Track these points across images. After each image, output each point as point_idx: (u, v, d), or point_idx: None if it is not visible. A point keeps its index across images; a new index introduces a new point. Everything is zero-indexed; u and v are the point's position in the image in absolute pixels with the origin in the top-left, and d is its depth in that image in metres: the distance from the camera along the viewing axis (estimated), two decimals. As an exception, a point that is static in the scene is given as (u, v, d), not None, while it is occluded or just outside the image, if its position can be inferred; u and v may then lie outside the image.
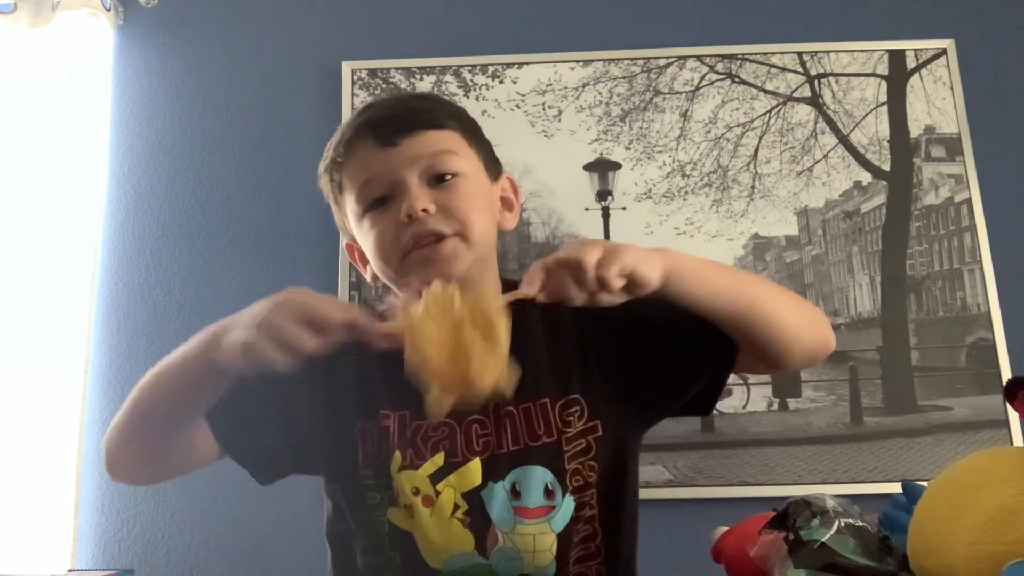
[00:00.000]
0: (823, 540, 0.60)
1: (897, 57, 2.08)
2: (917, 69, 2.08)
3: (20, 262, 1.99)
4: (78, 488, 1.87)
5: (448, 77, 2.09)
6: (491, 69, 2.10)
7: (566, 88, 2.08)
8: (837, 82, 2.08)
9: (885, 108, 2.07)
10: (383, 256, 0.93)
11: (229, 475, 2.02)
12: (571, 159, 2.05)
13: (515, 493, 0.90)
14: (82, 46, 2.09)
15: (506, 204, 1.01)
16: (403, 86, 2.08)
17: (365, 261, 1.00)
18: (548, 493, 0.90)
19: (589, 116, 2.07)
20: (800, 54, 2.09)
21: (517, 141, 2.05)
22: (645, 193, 2.03)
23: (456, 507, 0.89)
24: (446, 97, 1.06)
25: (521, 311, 0.98)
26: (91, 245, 2.01)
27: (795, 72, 2.08)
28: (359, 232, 0.96)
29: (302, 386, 0.91)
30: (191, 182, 2.08)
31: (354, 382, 0.94)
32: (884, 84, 2.08)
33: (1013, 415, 1.86)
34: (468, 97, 2.07)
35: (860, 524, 0.63)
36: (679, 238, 2.00)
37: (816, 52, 2.09)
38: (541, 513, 0.90)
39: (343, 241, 1.09)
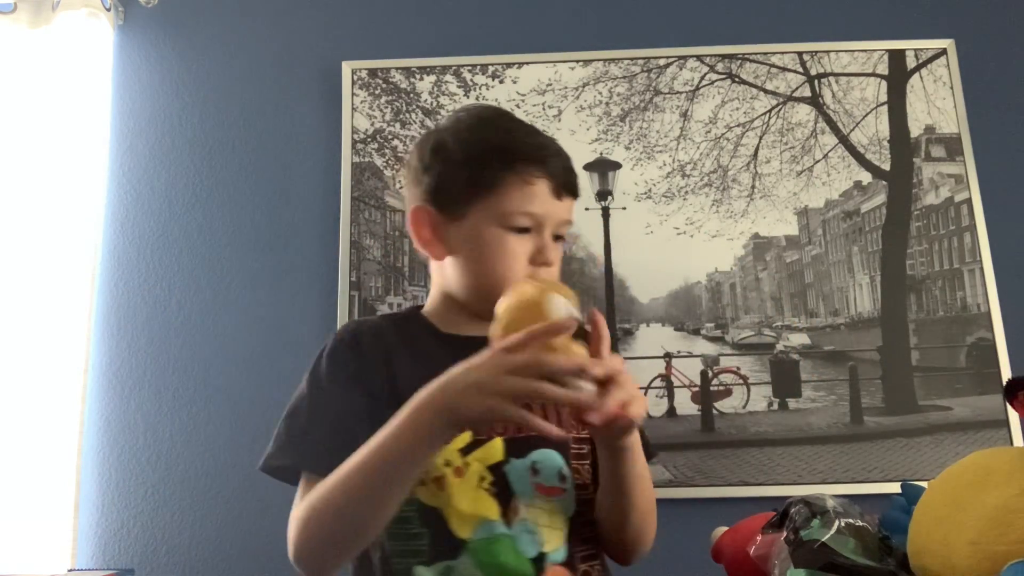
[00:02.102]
0: (823, 540, 0.60)
1: (897, 57, 2.08)
2: (917, 69, 2.08)
3: (21, 262, 1.99)
4: (78, 488, 1.88)
5: (448, 77, 2.09)
6: (491, 69, 2.10)
7: (566, 88, 2.08)
8: (837, 82, 2.08)
9: (885, 108, 2.07)
10: (507, 278, 0.99)
11: (228, 476, 2.03)
12: (571, 159, 2.04)
13: (533, 471, 0.97)
14: (82, 46, 2.09)
15: None
16: (403, 86, 2.08)
17: (437, 235, 1.04)
18: (561, 478, 0.98)
19: (589, 116, 2.07)
20: (800, 54, 2.09)
21: (517, 141, 2.04)
22: (645, 193, 2.03)
23: (482, 478, 0.95)
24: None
25: None
26: (91, 245, 2.01)
27: (795, 72, 2.08)
28: (481, 232, 1.01)
29: (354, 391, 0.98)
30: (191, 182, 2.08)
31: (385, 381, 0.99)
32: (884, 84, 2.08)
33: (1013, 415, 1.86)
34: (468, 97, 2.07)
35: (860, 524, 0.63)
36: (679, 238, 2.01)
37: (816, 52, 2.09)
38: (555, 492, 0.97)
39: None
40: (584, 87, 2.08)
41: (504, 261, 0.99)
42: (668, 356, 1.96)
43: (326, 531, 0.92)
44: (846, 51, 2.09)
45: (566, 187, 1.04)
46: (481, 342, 0.87)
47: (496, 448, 0.96)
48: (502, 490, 0.95)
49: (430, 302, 1.09)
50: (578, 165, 2.01)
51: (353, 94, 2.08)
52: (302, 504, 0.95)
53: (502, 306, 0.86)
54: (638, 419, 0.86)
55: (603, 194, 2.04)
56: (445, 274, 1.05)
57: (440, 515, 0.94)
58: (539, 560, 0.94)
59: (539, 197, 1.01)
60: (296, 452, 0.99)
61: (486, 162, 1.01)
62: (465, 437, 0.95)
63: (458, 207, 1.02)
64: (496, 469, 0.95)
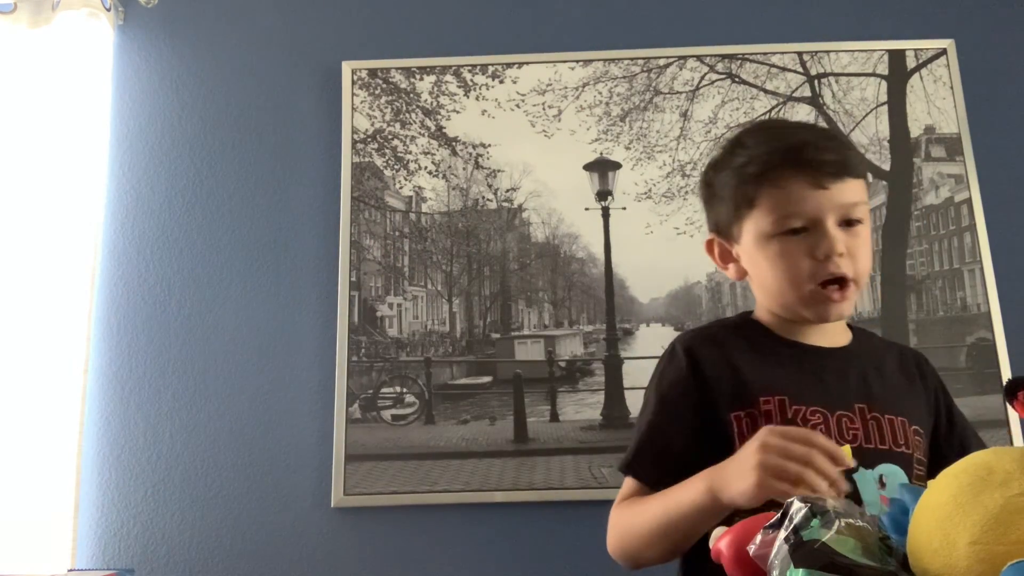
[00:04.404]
0: (823, 540, 0.60)
1: (897, 57, 2.08)
2: (917, 69, 2.08)
3: (20, 262, 1.99)
4: (78, 488, 1.87)
5: (448, 77, 2.09)
6: (491, 69, 2.10)
7: (566, 88, 2.08)
8: (837, 82, 2.08)
9: (885, 108, 2.07)
10: (793, 282, 1.03)
11: (228, 476, 2.02)
12: (571, 159, 2.05)
13: (881, 484, 1.00)
14: (82, 46, 2.09)
15: None
16: (403, 86, 2.08)
17: (727, 259, 1.12)
18: None
19: (589, 116, 2.07)
20: (800, 54, 2.09)
21: (517, 141, 2.05)
22: (645, 193, 2.03)
23: None
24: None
25: (875, 345, 1.16)
26: (91, 245, 2.01)
27: (795, 72, 2.08)
28: (757, 248, 1.05)
29: (686, 397, 1.04)
30: (191, 182, 2.08)
31: (726, 379, 1.04)
32: (884, 84, 2.08)
33: (1013, 415, 1.86)
34: (468, 97, 2.07)
35: (860, 524, 0.62)
36: (679, 238, 2.01)
37: (816, 52, 2.09)
38: None
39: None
40: (584, 87, 2.08)
41: (784, 266, 1.02)
42: (668, 356, 1.96)
43: (633, 550, 1.02)
44: (846, 51, 2.09)
45: (830, 173, 1.01)
46: (818, 351, 1.04)
47: (847, 455, 0.99)
48: (853, 497, 0.96)
49: (759, 311, 1.13)
50: (578, 165, 2.04)
51: (353, 94, 2.08)
52: (620, 512, 1.04)
53: None
54: None
55: (603, 194, 2.04)
56: (754, 291, 1.11)
57: None
58: None
59: (796, 194, 1.01)
60: (625, 461, 1.07)
61: (739, 182, 1.05)
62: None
63: (733, 230, 1.08)
64: (847, 476, 0.97)
